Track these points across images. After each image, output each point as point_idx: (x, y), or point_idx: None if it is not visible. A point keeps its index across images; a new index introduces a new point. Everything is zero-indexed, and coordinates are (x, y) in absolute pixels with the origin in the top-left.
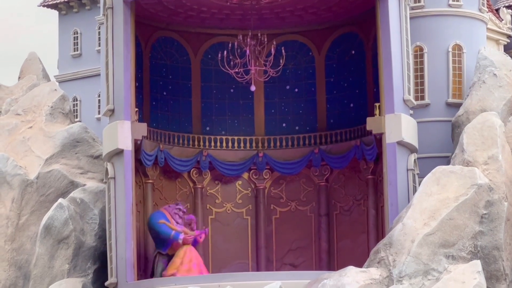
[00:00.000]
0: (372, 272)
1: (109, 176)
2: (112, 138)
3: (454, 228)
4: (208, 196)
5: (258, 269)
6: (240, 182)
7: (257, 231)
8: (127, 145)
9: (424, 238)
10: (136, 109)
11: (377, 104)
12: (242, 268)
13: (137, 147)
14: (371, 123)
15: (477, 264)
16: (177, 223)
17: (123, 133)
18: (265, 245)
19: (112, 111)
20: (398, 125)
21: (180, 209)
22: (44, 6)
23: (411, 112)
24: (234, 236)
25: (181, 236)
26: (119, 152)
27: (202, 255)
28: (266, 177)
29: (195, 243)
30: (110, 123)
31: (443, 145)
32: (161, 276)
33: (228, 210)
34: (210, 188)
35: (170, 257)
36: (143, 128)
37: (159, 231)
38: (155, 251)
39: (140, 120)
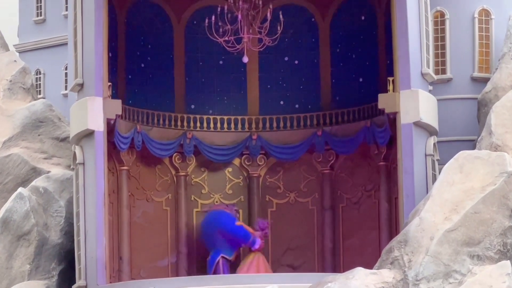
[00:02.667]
0: (384, 275)
1: (77, 162)
2: (81, 118)
3: (479, 223)
4: (193, 185)
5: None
6: (230, 169)
7: (249, 227)
8: (99, 125)
9: (445, 235)
10: (109, 83)
11: (390, 79)
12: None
13: (110, 128)
14: (383, 101)
15: (506, 265)
16: None
17: (93, 112)
18: None
19: (81, 86)
20: (415, 103)
21: (236, 210)
22: None
23: (431, 88)
24: None
25: (258, 242)
26: (89, 134)
27: (185, 254)
28: (260, 163)
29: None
30: (78, 100)
31: (467, 127)
32: None
33: (216, 201)
34: (195, 176)
35: (232, 263)
36: (117, 105)
37: (236, 234)
38: (214, 254)
39: (114, 96)
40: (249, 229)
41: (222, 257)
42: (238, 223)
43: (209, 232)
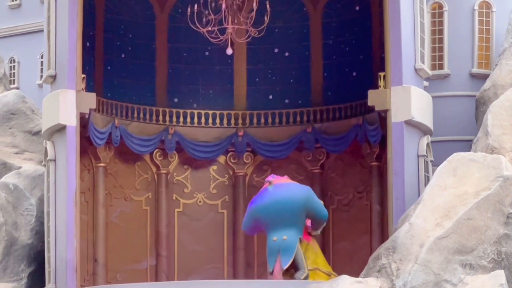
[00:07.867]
0: (370, 283)
1: (48, 158)
2: (53, 112)
3: (473, 230)
4: (175, 184)
5: (235, 275)
6: (214, 167)
7: (234, 229)
8: (71, 120)
9: (436, 242)
10: (83, 75)
11: (381, 74)
12: (216, 274)
13: (84, 123)
14: (373, 98)
15: (500, 275)
16: None
17: (65, 106)
18: (245, 246)
19: (54, 77)
20: (406, 101)
21: None
22: None
23: (425, 84)
24: (207, 234)
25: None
26: (60, 129)
27: (165, 257)
28: (247, 161)
29: None
30: (51, 92)
31: (464, 126)
32: None
33: (200, 201)
34: (178, 174)
35: None
36: (91, 99)
37: None
38: None
39: (90, 89)
40: None
41: None
42: None
43: None
